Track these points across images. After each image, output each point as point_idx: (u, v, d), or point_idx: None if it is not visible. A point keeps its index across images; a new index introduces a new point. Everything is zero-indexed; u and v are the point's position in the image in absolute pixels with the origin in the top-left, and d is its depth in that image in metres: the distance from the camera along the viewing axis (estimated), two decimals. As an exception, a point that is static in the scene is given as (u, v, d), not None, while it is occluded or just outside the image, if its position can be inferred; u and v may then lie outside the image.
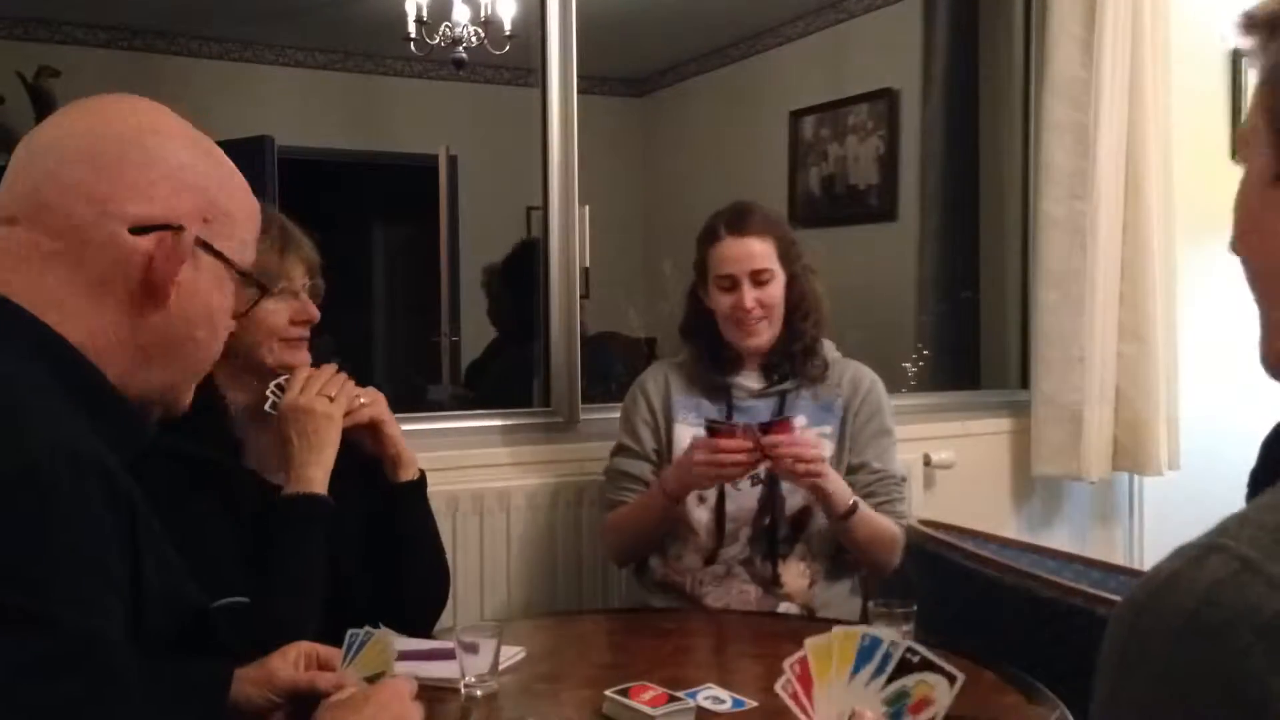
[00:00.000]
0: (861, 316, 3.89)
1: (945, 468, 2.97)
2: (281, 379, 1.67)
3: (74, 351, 0.89)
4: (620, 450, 2.23)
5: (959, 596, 2.26)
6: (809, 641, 1.23)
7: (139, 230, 0.91)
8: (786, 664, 1.24)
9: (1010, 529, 3.03)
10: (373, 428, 1.74)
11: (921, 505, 2.89)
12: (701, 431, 2.08)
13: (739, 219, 2.17)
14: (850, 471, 2.14)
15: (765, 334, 2.16)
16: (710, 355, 2.21)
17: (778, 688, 1.24)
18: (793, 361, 2.18)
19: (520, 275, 3.18)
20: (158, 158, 0.93)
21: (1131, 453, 3.03)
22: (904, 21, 4.21)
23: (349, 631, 1.31)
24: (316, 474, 1.60)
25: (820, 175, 4.95)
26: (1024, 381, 3.18)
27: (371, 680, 1.28)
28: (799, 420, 2.12)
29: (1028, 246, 3.18)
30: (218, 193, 0.97)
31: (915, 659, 1.16)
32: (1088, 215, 2.94)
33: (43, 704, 0.74)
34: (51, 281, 0.89)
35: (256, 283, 1.02)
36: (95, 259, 0.90)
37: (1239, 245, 0.74)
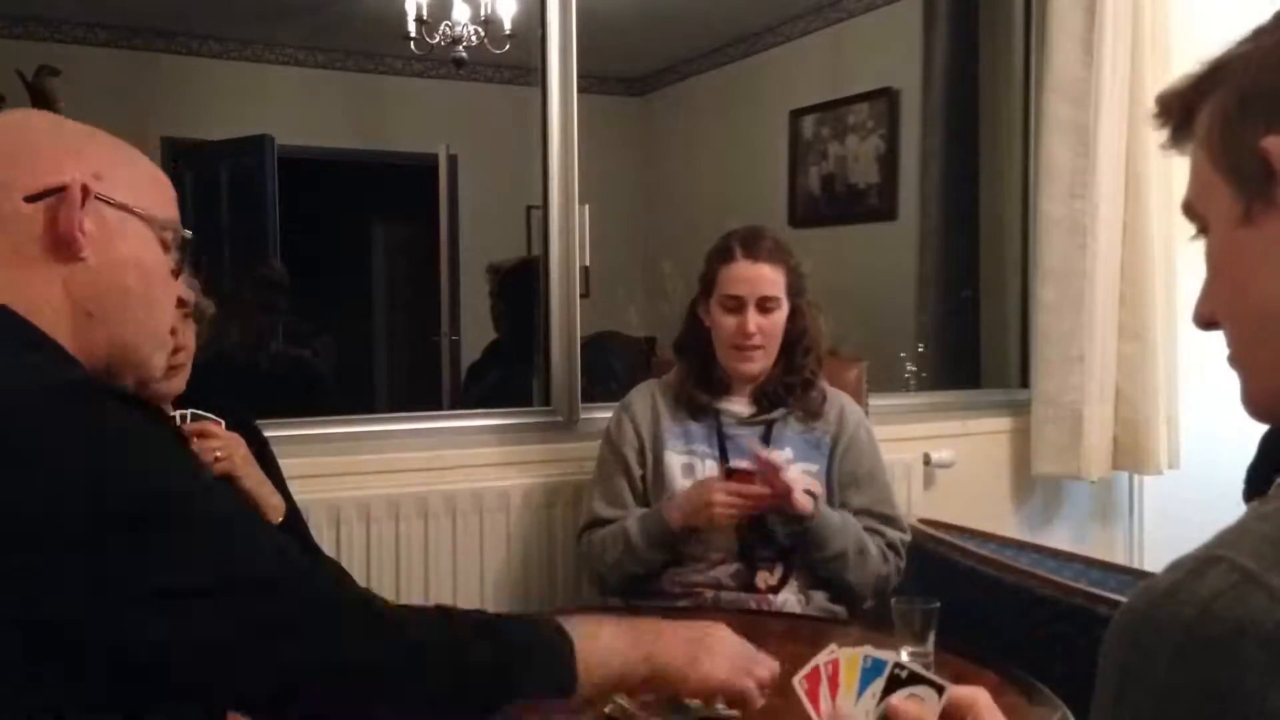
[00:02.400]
0: (861, 316, 3.89)
1: (945, 467, 2.97)
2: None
3: (33, 328, 0.95)
4: (604, 475, 2.21)
5: (959, 596, 2.26)
6: (843, 651, 1.21)
7: (34, 198, 0.98)
8: (796, 679, 1.23)
9: (1010, 528, 3.03)
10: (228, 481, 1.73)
11: (921, 505, 2.89)
12: (697, 462, 2.09)
13: (755, 241, 2.14)
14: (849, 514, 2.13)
15: (759, 362, 2.14)
16: (701, 375, 2.19)
17: (798, 681, 1.23)
18: (789, 393, 2.17)
19: (521, 287, 3.17)
20: (37, 138, 1.01)
21: (1131, 452, 3.03)
22: (904, 21, 4.21)
23: None
24: None
25: (820, 174, 4.95)
26: (1024, 381, 3.19)
27: None
28: (785, 453, 2.11)
29: (1028, 245, 3.18)
30: (106, 154, 1.03)
31: (903, 674, 1.16)
32: (1088, 214, 2.94)
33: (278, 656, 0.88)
34: None
35: (172, 230, 1.07)
36: (7, 235, 0.97)
37: (1216, 306, 0.73)
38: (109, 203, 1.01)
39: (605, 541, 2.13)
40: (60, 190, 0.98)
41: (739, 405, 2.19)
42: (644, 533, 2.08)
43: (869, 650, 1.19)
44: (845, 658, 1.19)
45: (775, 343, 2.15)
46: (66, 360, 0.97)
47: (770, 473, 1.97)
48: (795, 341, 2.17)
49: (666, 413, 2.20)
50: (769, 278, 2.12)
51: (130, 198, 1.03)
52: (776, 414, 2.16)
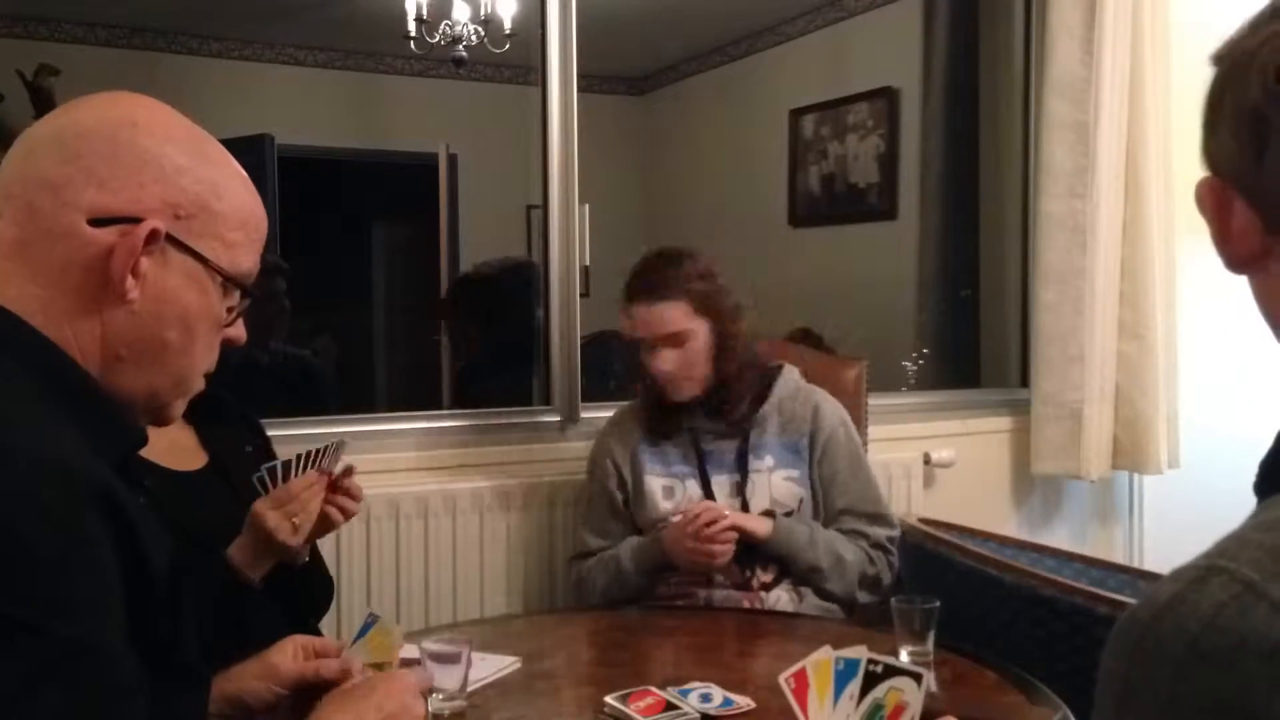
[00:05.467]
0: (861, 315, 3.89)
1: (945, 466, 2.97)
2: (275, 464, 1.57)
3: (56, 350, 0.87)
4: (590, 507, 2.25)
5: (958, 595, 2.26)
6: (811, 660, 1.22)
7: (99, 222, 0.88)
8: (782, 678, 1.23)
9: (1010, 528, 3.03)
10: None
11: (921, 504, 2.89)
12: (677, 484, 2.13)
13: (648, 285, 2.11)
14: (833, 516, 2.14)
15: (688, 390, 2.12)
16: (655, 400, 2.18)
17: (784, 679, 1.24)
18: (725, 409, 2.13)
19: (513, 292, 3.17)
20: (126, 149, 0.89)
21: (1131, 451, 3.02)
22: (904, 20, 4.21)
23: (369, 613, 1.32)
24: (250, 570, 1.54)
25: (820, 174, 4.95)
26: (1024, 380, 3.18)
27: (375, 669, 1.29)
28: (765, 463, 2.12)
29: (1027, 245, 3.18)
30: (199, 189, 0.92)
31: (878, 669, 1.16)
32: (1088, 214, 2.94)
33: (36, 713, 0.74)
34: (19, 273, 0.88)
35: (239, 286, 0.97)
36: (55, 250, 0.87)
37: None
38: (179, 246, 0.91)
39: (594, 570, 2.16)
40: (128, 222, 0.88)
41: (707, 421, 2.17)
42: (637, 562, 2.10)
43: (839, 652, 1.20)
44: (814, 665, 1.19)
45: (699, 368, 2.11)
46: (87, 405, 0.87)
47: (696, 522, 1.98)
48: (718, 351, 2.12)
49: (643, 436, 2.20)
50: (669, 317, 2.09)
51: (207, 246, 0.92)
52: (750, 425, 2.15)
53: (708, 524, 1.97)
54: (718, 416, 2.15)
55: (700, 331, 2.10)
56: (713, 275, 2.15)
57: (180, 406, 0.99)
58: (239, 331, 1.01)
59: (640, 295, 2.11)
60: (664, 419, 2.18)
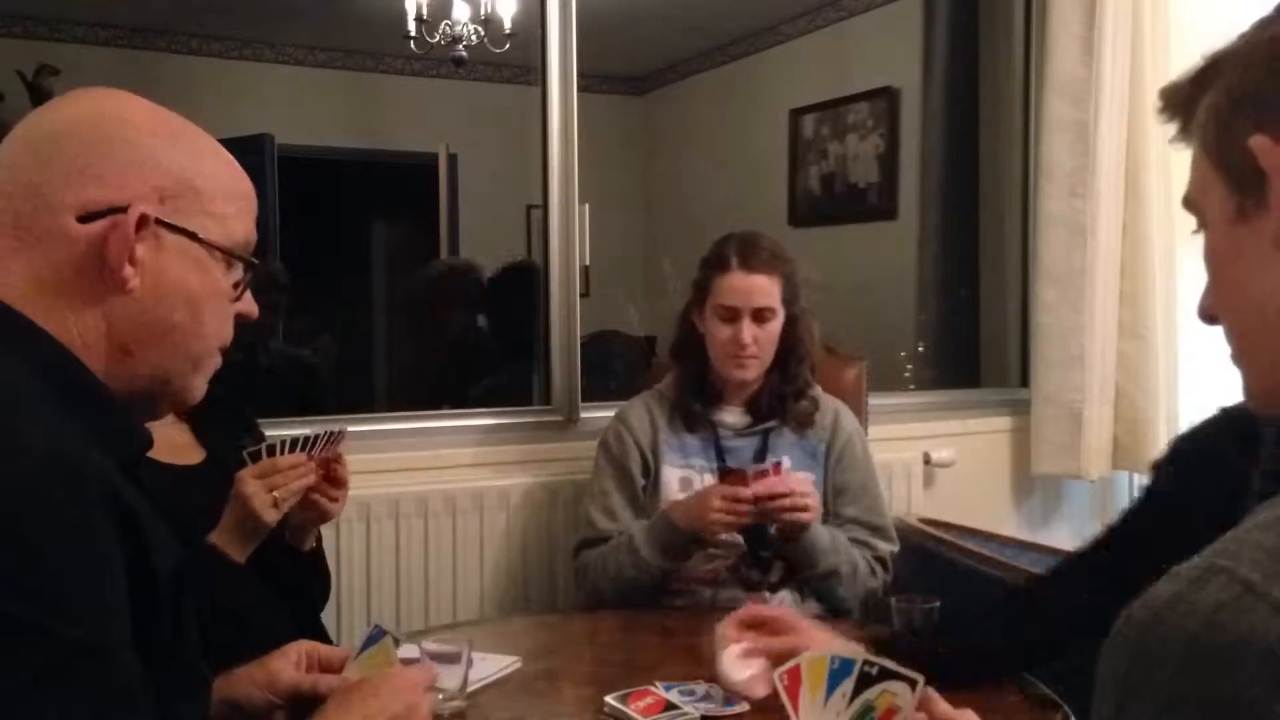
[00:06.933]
0: (861, 315, 3.90)
1: (945, 466, 2.97)
2: (259, 447, 1.57)
3: (61, 348, 0.88)
4: (603, 490, 2.17)
5: (958, 595, 2.26)
6: (807, 655, 1.22)
7: (87, 218, 0.88)
8: (776, 674, 1.23)
9: (1010, 527, 3.03)
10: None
11: (921, 504, 2.89)
12: (694, 476, 2.10)
13: (751, 250, 2.12)
14: (840, 524, 2.13)
15: (754, 370, 2.13)
16: (695, 382, 2.18)
17: (778, 675, 1.23)
18: (782, 402, 2.15)
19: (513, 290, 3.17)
20: (99, 144, 0.90)
21: (1131, 451, 3.03)
22: (904, 19, 4.21)
23: (374, 625, 1.31)
24: (234, 551, 1.54)
25: (820, 173, 4.95)
26: (1024, 380, 3.19)
27: None
28: (784, 463, 2.10)
29: (1028, 244, 3.18)
30: (179, 169, 0.92)
31: (874, 671, 1.16)
32: (1088, 213, 2.94)
33: (39, 715, 0.74)
34: (18, 278, 0.88)
35: (239, 258, 0.97)
36: (50, 252, 0.88)
37: (1215, 303, 0.73)
38: (170, 228, 0.91)
39: (605, 555, 2.09)
40: (117, 212, 0.88)
41: (733, 415, 2.18)
42: (652, 540, 2.03)
43: (835, 651, 1.19)
44: (808, 661, 1.19)
45: (770, 351, 2.13)
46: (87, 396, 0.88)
47: (766, 479, 1.95)
48: (790, 351, 2.15)
49: (664, 425, 2.18)
50: (764, 288, 2.10)
51: (197, 222, 0.93)
52: (772, 424, 2.16)
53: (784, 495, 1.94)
54: (772, 413, 2.15)
55: (779, 317, 2.13)
56: (795, 265, 2.18)
57: (201, 384, 0.99)
58: (249, 306, 1.02)
59: (743, 262, 2.11)
60: (695, 399, 2.16)
